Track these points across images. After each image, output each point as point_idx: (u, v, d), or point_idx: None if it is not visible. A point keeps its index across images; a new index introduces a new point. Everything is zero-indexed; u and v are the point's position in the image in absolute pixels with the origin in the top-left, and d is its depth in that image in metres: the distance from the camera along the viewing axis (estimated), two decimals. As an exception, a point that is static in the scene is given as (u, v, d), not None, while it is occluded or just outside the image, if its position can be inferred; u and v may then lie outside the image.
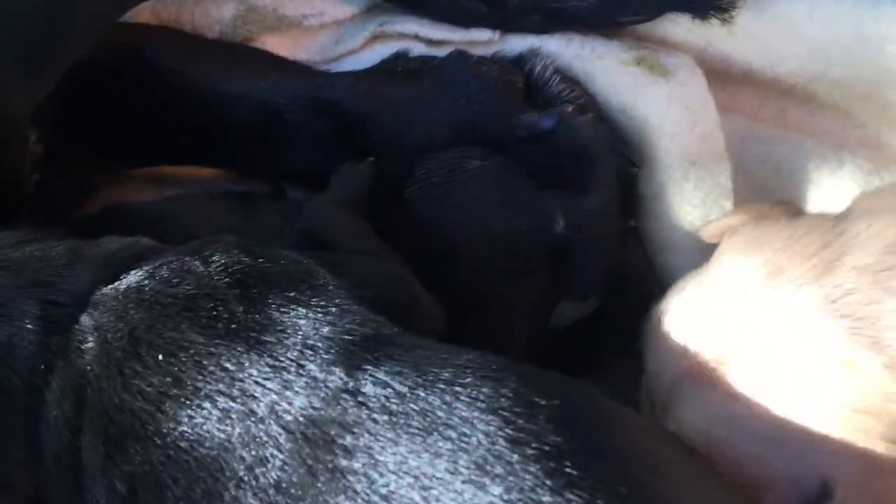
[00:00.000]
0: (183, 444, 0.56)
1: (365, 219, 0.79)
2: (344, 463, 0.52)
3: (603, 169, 0.85)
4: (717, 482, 0.59)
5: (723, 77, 0.98)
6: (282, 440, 0.54)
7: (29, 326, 0.60)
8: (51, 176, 0.90)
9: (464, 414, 0.53)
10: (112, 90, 0.95)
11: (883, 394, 0.62)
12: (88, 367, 0.59)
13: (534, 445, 0.51)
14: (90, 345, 0.60)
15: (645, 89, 0.92)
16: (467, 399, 0.53)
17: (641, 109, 0.92)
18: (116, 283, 0.62)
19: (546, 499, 0.48)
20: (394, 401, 0.54)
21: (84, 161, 0.97)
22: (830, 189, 0.97)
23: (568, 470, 0.49)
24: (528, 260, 0.80)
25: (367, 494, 0.51)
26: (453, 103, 0.93)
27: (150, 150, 0.99)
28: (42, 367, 0.60)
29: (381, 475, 0.51)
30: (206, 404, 0.56)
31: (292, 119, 0.95)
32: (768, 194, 0.96)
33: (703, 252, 0.86)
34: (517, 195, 0.82)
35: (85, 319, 0.61)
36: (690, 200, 0.90)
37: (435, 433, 0.52)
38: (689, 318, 0.69)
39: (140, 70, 0.96)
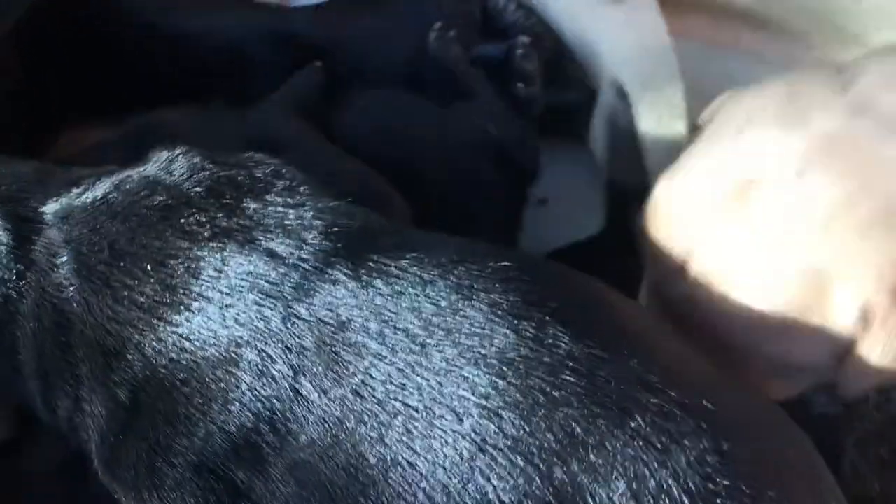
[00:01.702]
0: (188, 346, 0.57)
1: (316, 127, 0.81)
2: (366, 340, 0.54)
3: (475, 77, 0.90)
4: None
5: (677, 3, 1.00)
6: (297, 328, 0.55)
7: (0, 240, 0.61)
8: (17, 122, 0.91)
9: (476, 285, 0.55)
10: (79, 34, 0.97)
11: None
12: (65, 281, 0.60)
13: (545, 308, 0.54)
14: (63, 259, 0.60)
15: (598, 15, 0.94)
16: (477, 272, 0.56)
17: (595, 35, 0.94)
18: (83, 197, 0.63)
19: (564, 350, 0.53)
20: (404, 282, 0.56)
21: (50, 106, 0.98)
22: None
23: (571, 325, 0.54)
24: (477, 163, 0.84)
25: (392, 363, 0.53)
26: (412, 31, 0.95)
27: (117, 92, 1.00)
28: (14, 278, 0.61)
29: (403, 345, 0.54)
30: (206, 306, 0.57)
31: (255, 53, 0.97)
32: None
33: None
34: (456, 111, 0.87)
35: (54, 233, 0.61)
36: (644, 121, 0.92)
37: (450, 303, 0.54)
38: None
39: (106, 12, 0.98)
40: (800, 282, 0.64)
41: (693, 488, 0.49)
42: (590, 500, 0.50)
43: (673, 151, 0.92)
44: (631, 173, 0.90)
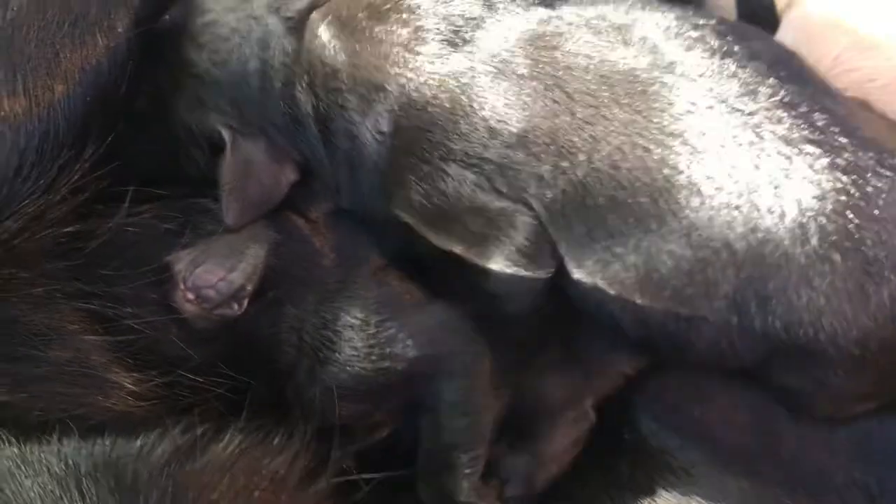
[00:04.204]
0: (434, 70, 0.72)
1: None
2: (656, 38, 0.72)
3: None
4: None
5: None
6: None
7: (274, 27, 0.76)
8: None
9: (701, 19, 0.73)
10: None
11: None
12: (330, 43, 0.75)
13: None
14: (325, 31, 0.75)
15: None
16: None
17: None
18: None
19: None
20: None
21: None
22: None
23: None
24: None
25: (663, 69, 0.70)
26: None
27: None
28: (291, 57, 0.76)
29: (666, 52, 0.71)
30: (453, 37, 0.73)
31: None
32: None
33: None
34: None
35: (314, 19, 0.76)
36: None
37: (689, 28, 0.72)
38: None
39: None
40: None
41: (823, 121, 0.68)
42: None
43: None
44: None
